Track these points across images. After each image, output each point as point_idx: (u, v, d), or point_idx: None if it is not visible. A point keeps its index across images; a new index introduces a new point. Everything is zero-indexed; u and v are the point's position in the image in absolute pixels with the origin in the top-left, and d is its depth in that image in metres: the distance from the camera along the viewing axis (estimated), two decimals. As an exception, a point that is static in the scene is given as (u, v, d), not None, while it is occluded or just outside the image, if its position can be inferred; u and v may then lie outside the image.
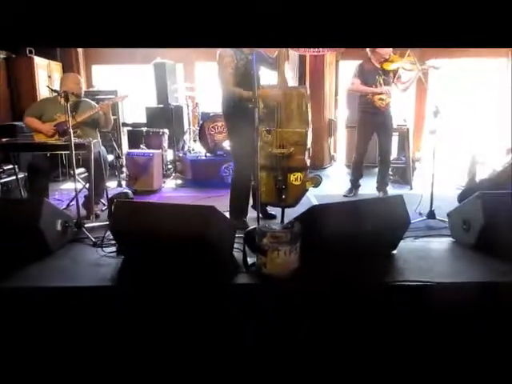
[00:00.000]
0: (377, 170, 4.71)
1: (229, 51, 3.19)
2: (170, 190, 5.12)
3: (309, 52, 6.19)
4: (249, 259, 2.54)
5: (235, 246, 2.73)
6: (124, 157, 5.12)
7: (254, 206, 3.68)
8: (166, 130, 5.85)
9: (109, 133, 6.14)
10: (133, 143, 6.16)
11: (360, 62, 4.44)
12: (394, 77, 4.32)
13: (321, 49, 6.10)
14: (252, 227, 2.69)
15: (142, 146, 5.84)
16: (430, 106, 3.47)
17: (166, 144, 5.85)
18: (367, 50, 4.33)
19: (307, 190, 3.39)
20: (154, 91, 6.34)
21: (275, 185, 3.31)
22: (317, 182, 3.32)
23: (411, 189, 4.95)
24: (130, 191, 3.86)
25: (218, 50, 3.24)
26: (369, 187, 4.80)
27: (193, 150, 5.93)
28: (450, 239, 3.11)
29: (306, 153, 3.32)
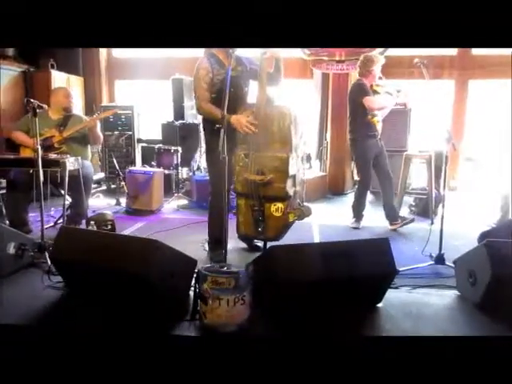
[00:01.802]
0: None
1: (204, 63, 2.88)
2: (170, 211, 4.89)
3: (332, 70, 5.79)
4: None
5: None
6: (126, 175, 4.94)
7: (239, 237, 3.33)
8: (179, 148, 5.64)
9: (123, 148, 6.12)
10: (145, 160, 6.04)
11: (357, 82, 4.08)
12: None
13: (344, 66, 5.68)
14: (208, 265, 2.32)
15: (153, 163, 5.68)
16: (442, 132, 2.96)
17: (178, 162, 5.63)
18: (360, 70, 4.01)
19: (291, 223, 2.99)
20: (171, 107, 6.21)
21: (252, 215, 2.94)
22: (301, 215, 2.91)
23: (432, 223, 4.35)
24: (109, 212, 3.63)
25: (197, 62, 2.95)
26: (379, 218, 4.30)
27: (204, 169, 5.66)
28: (455, 292, 2.57)
29: (289, 181, 2.92)
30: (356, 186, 4.46)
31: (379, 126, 4.02)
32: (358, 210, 4.23)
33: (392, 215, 4.09)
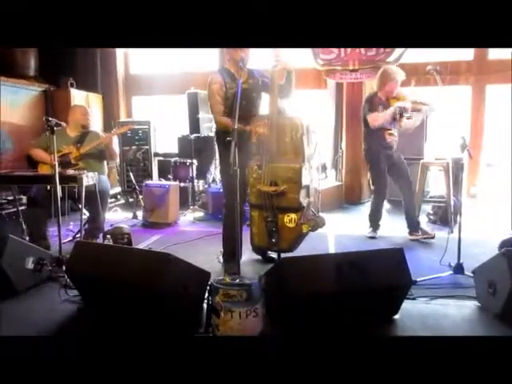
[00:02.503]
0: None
1: (217, 78, 2.93)
2: (187, 224, 4.91)
3: (345, 79, 5.78)
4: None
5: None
6: (143, 188, 4.99)
7: (253, 249, 3.33)
8: (195, 161, 5.69)
9: (140, 162, 6.21)
10: (162, 173, 6.10)
11: (368, 95, 4.08)
12: (400, 115, 3.87)
13: (358, 75, 5.66)
14: (220, 278, 2.31)
15: (169, 176, 5.74)
16: (457, 138, 2.90)
17: (193, 175, 5.68)
18: (377, 83, 3.96)
19: (305, 234, 2.97)
20: (187, 121, 6.28)
21: (266, 226, 2.93)
22: (315, 225, 2.88)
23: (451, 232, 4.25)
24: (125, 226, 3.67)
25: (209, 77, 3.00)
26: (398, 228, 4.22)
27: (219, 181, 5.69)
28: (475, 303, 2.50)
29: (303, 191, 2.91)
30: (372, 195, 4.40)
31: (391, 139, 3.93)
32: (374, 219, 4.18)
33: (413, 225, 4.01)
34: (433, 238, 3.91)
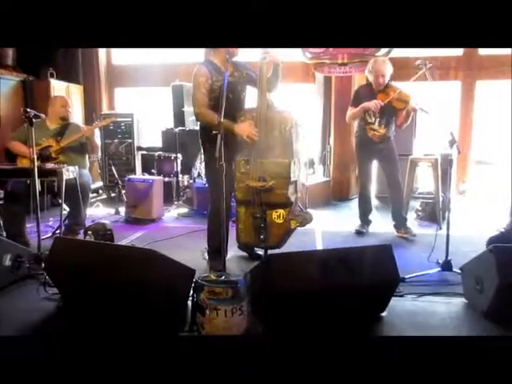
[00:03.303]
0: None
1: (203, 70, 2.90)
2: (170, 220, 4.88)
3: (334, 73, 5.79)
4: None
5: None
6: (125, 183, 4.95)
7: (239, 246, 3.33)
8: (179, 155, 5.66)
9: (123, 156, 6.15)
10: (146, 168, 6.06)
11: (355, 88, 4.11)
12: (393, 115, 3.89)
13: (347, 69, 5.67)
14: (205, 275, 2.31)
15: (153, 170, 5.70)
16: (445, 134, 2.94)
17: (178, 169, 5.65)
18: (367, 73, 3.93)
19: (292, 230, 2.97)
20: (171, 114, 6.23)
21: (253, 223, 2.93)
22: (303, 221, 2.90)
23: (440, 229, 4.31)
24: (107, 222, 3.63)
25: (194, 69, 2.97)
26: (387, 225, 4.27)
27: (204, 175, 5.66)
28: (463, 300, 2.54)
29: (291, 187, 2.92)
30: None
31: (372, 134, 3.89)
32: (360, 214, 4.21)
33: (398, 222, 4.05)
34: (414, 236, 3.93)
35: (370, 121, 3.88)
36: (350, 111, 3.94)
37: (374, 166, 4.33)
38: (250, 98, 3.15)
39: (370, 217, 4.24)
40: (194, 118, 5.90)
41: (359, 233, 4.12)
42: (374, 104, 3.72)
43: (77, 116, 6.14)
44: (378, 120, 3.87)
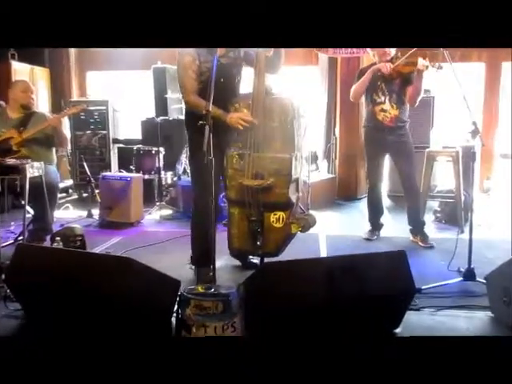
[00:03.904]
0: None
1: (190, 49, 2.89)
2: (152, 224, 4.89)
3: (340, 54, 5.81)
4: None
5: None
6: (99, 181, 4.95)
7: (232, 253, 3.33)
8: (162, 149, 5.65)
9: (96, 150, 6.15)
10: (123, 164, 6.05)
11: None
12: (404, 87, 3.87)
13: (354, 49, 5.69)
14: (191, 287, 2.31)
15: (131, 167, 5.68)
16: (467, 124, 2.96)
17: (160, 165, 5.64)
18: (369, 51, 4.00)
19: (293, 235, 2.99)
20: (152, 101, 6.23)
21: (248, 226, 2.95)
22: (305, 225, 2.91)
23: (462, 232, 4.33)
24: (78, 226, 3.62)
25: (180, 48, 2.97)
26: (401, 228, 4.29)
27: (189, 172, 5.66)
28: (488, 314, 2.56)
29: (292, 186, 2.93)
30: None
31: (383, 116, 3.88)
32: (370, 217, 4.24)
33: (415, 227, 4.05)
34: (431, 246, 3.94)
35: (379, 100, 3.90)
36: (354, 86, 3.95)
37: (386, 161, 4.34)
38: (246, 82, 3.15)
39: (382, 219, 4.26)
40: (178, 106, 6.03)
41: (369, 239, 4.13)
42: (383, 65, 3.75)
43: (42, 103, 6.12)
44: (388, 98, 3.87)
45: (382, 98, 3.89)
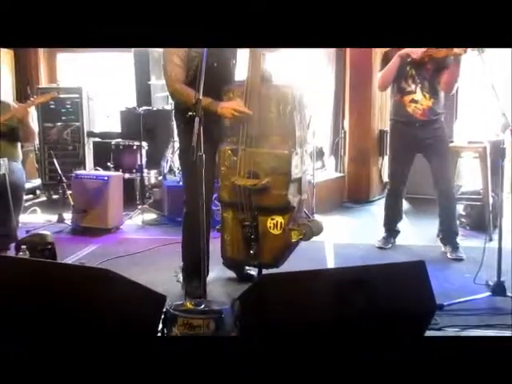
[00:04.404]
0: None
1: None
2: (133, 230, 4.92)
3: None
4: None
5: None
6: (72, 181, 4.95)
7: (226, 263, 3.36)
8: (145, 144, 5.67)
9: (69, 145, 6.15)
10: (99, 160, 6.05)
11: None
12: (438, 73, 3.82)
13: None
14: (179, 303, 2.32)
15: (109, 164, 5.68)
16: (495, 116, 2.98)
17: (143, 162, 5.65)
18: None
19: (294, 244, 3.01)
20: (133, 89, 6.26)
21: (242, 233, 2.97)
22: (307, 232, 2.91)
23: (490, 240, 4.36)
24: (47, 233, 3.65)
25: None
26: (426, 235, 4.31)
27: (178, 171, 5.67)
28: (521, 335, 2.58)
29: (293, 186, 2.95)
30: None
31: (414, 109, 3.86)
32: (386, 222, 4.25)
33: (446, 236, 4.05)
34: (461, 259, 3.93)
35: (408, 89, 3.86)
36: (381, 73, 3.94)
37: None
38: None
39: (399, 225, 4.28)
40: (163, 94, 6.04)
41: (383, 248, 4.15)
42: (413, 50, 3.68)
43: (5, 91, 6.10)
44: (419, 86, 3.83)
45: (413, 87, 3.85)
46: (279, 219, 2.92)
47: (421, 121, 3.89)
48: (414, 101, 3.86)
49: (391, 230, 4.23)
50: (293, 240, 2.94)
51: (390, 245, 4.20)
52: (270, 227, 2.94)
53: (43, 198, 6.14)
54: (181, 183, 5.09)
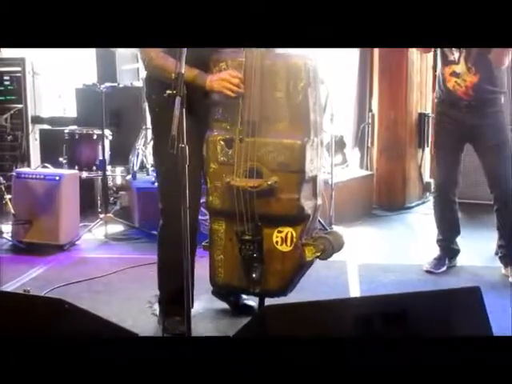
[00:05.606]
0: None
1: None
2: (93, 246, 4.96)
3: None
4: None
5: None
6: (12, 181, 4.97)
7: (216, 291, 3.41)
8: (108, 132, 5.68)
9: (7, 134, 6.18)
10: (48, 154, 6.08)
11: None
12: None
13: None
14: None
15: (61, 159, 5.69)
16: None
17: (106, 157, 5.66)
18: None
19: (308, 264, 3.05)
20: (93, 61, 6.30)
21: (240, 250, 2.98)
22: (325, 249, 2.93)
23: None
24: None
25: None
26: (481, 253, 4.37)
27: (151, 167, 5.68)
28: None
29: (307, 187, 2.97)
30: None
31: (455, 86, 3.83)
32: (441, 238, 4.26)
33: (508, 257, 4.07)
34: None
35: (451, 58, 3.83)
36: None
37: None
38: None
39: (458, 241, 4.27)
40: (132, 66, 6.05)
41: (432, 272, 4.15)
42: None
43: None
44: (463, 55, 3.77)
45: (456, 55, 3.81)
46: (289, 231, 2.94)
47: (465, 101, 3.88)
48: (454, 74, 3.84)
49: (447, 248, 4.24)
50: (307, 258, 2.97)
51: (444, 268, 4.20)
52: (278, 242, 2.96)
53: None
54: (156, 184, 5.13)
